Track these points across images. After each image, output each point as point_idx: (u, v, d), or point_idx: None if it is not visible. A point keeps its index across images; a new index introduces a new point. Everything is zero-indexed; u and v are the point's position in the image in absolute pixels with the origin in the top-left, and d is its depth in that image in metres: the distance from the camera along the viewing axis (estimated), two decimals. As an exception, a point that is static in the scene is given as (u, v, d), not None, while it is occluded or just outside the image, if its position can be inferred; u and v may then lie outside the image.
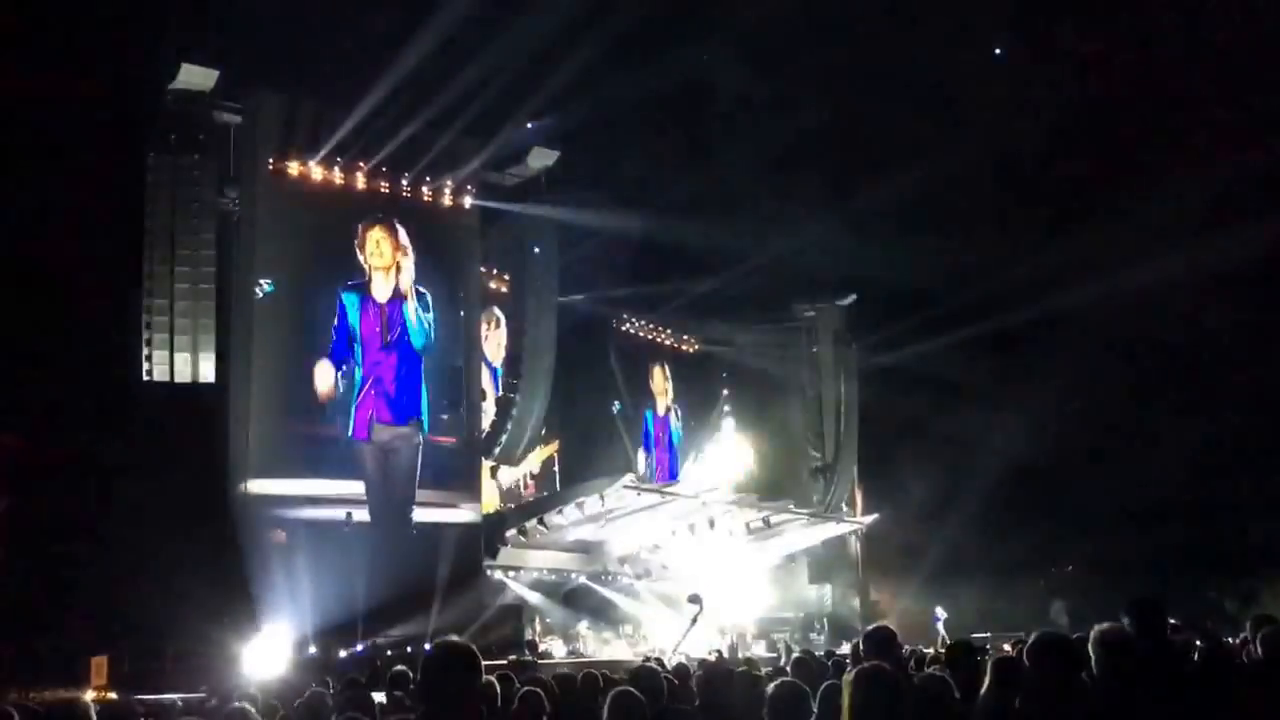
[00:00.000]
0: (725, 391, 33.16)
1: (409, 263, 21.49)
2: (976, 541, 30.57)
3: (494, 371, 25.23)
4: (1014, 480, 30.83)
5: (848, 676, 3.72)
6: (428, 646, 15.65)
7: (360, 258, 21.28)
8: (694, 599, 20.51)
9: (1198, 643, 6.85)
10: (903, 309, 29.82)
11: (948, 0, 25.76)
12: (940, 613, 26.53)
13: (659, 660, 11.81)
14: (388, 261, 21.31)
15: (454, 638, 3.36)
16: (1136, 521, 29.95)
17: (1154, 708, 3.99)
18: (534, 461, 25.72)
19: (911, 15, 25.55)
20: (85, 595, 17.35)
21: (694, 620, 20.04)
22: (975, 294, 27.47)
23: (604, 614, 24.70)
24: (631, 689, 4.89)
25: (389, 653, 18.95)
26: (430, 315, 21.75)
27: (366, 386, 20.86)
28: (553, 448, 26.90)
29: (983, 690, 4.24)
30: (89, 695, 14.11)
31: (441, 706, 3.07)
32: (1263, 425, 29.43)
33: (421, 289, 21.76)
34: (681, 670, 7.92)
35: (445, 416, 21.91)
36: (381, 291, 21.34)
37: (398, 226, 21.49)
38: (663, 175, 25.99)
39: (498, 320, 25.50)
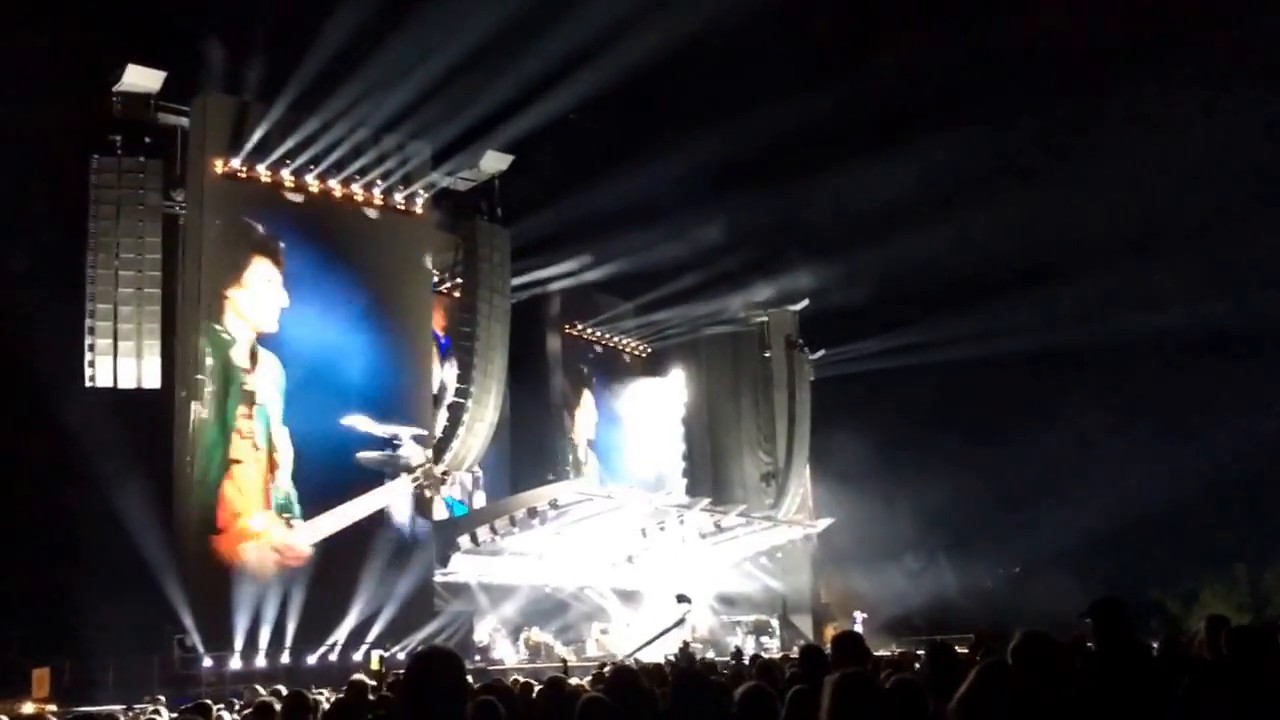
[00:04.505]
0: (678, 396, 33.16)
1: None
2: (927, 544, 30.96)
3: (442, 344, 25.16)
4: (959, 484, 31.28)
5: (829, 680, 3.69)
6: (408, 653, 15.42)
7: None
8: (682, 598, 19.85)
9: (1153, 644, 6.94)
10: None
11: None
12: (859, 615, 27.05)
13: (612, 663, 11.71)
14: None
15: (437, 643, 3.32)
16: (1081, 525, 30.51)
17: (1130, 703, 4.03)
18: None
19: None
20: (25, 607, 16.88)
21: (681, 620, 19.56)
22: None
23: (555, 619, 24.53)
24: (602, 697, 4.81)
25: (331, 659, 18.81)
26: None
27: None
28: None
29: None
30: (29, 708, 13.77)
31: (428, 711, 3.01)
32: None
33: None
34: (650, 674, 7.88)
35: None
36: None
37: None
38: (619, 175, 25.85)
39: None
